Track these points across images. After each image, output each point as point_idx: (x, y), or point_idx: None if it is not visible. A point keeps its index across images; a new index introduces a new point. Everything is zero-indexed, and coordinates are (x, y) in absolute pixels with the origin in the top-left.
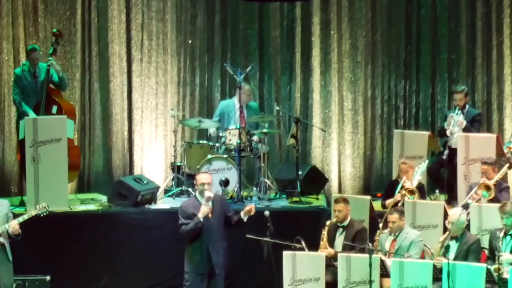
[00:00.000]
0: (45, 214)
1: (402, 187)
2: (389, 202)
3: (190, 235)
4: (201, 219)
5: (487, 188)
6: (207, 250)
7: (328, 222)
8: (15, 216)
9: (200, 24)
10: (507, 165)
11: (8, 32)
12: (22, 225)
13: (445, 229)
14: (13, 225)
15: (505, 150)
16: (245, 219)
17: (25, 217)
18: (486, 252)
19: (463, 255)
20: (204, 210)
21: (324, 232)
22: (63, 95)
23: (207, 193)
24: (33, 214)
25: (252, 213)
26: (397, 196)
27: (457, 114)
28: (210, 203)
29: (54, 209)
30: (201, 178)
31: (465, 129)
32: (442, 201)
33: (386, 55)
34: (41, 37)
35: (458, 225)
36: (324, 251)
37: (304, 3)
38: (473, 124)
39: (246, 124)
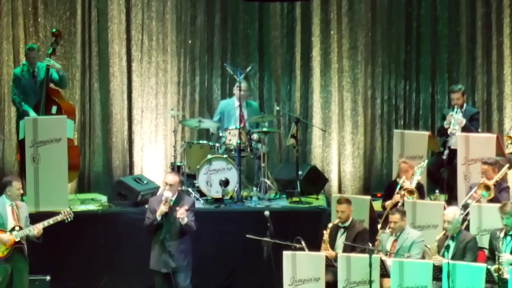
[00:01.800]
0: (70, 220)
1: (401, 187)
2: (388, 203)
3: (148, 230)
4: (158, 218)
5: (487, 188)
6: (163, 247)
7: (330, 225)
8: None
9: (200, 24)
10: (507, 165)
11: (8, 32)
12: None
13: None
14: (39, 229)
15: (505, 144)
16: (183, 223)
17: (51, 221)
18: (486, 252)
19: (460, 253)
20: (161, 209)
21: (326, 234)
22: (63, 95)
23: (166, 193)
24: (59, 220)
25: (181, 216)
26: (396, 197)
27: (456, 112)
28: (168, 203)
29: (54, 209)
30: (166, 177)
31: (465, 128)
32: (442, 201)
33: (386, 55)
34: (41, 37)
35: (455, 224)
36: (325, 253)
37: (304, 3)
38: (472, 123)
39: (246, 124)
